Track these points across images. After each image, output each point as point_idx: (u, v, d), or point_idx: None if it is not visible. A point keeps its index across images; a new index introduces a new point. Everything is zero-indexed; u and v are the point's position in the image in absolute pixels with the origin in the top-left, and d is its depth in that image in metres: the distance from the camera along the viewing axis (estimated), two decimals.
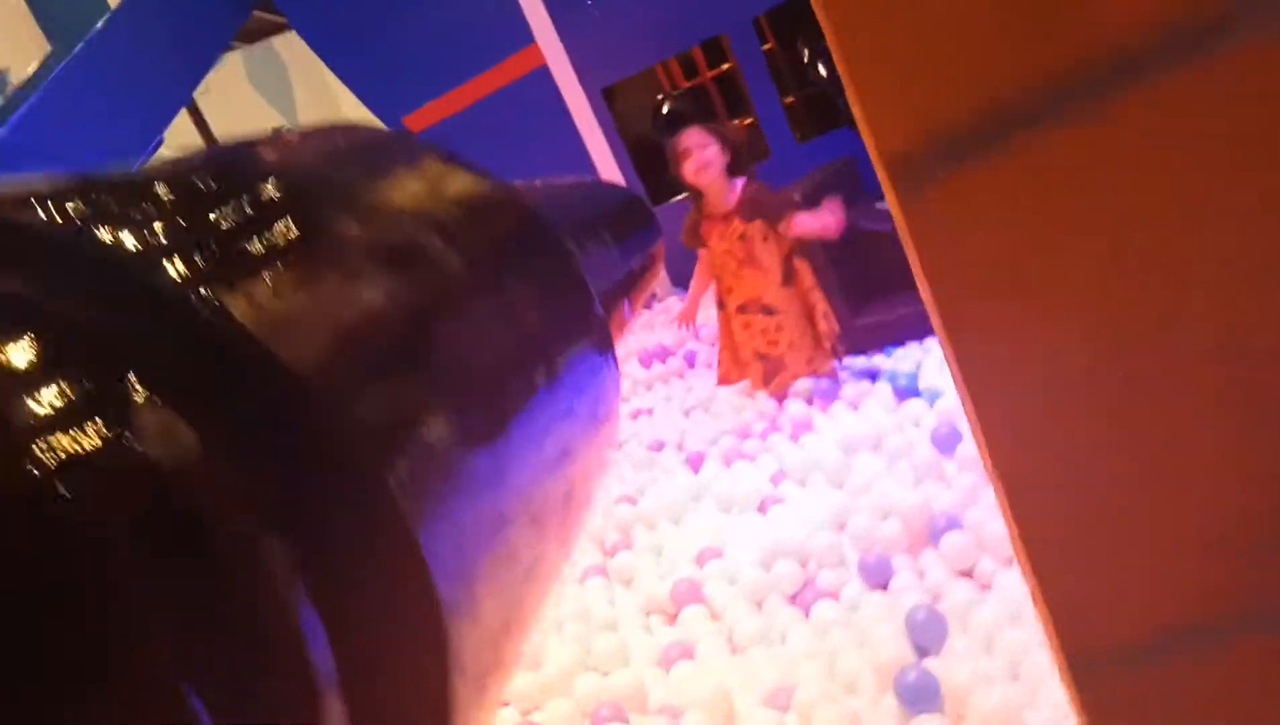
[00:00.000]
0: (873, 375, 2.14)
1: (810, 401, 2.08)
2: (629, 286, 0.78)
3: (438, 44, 3.25)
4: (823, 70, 3.55)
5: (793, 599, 1.49)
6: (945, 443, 1.59)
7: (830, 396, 2.07)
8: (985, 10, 0.22)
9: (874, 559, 1.44)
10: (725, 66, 3.91)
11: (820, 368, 2.13)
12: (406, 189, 0.35)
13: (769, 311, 2.12)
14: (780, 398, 2.13)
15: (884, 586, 1.41)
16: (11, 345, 0.19)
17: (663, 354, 2.88)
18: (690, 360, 2.82)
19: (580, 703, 1.34)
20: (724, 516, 1.79)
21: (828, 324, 2.11)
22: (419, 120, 3.39)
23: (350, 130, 0.42)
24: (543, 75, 2.94)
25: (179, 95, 3.21)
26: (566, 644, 1.48)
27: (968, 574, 1.36)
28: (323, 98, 6.31)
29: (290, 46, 5.35)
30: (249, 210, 0.27)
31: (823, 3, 0.24)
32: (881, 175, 0.25)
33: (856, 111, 0.24)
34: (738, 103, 3.99)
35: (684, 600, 1.55)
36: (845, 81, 0.24)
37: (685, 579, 1.58)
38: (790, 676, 1.28)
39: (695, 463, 2.05)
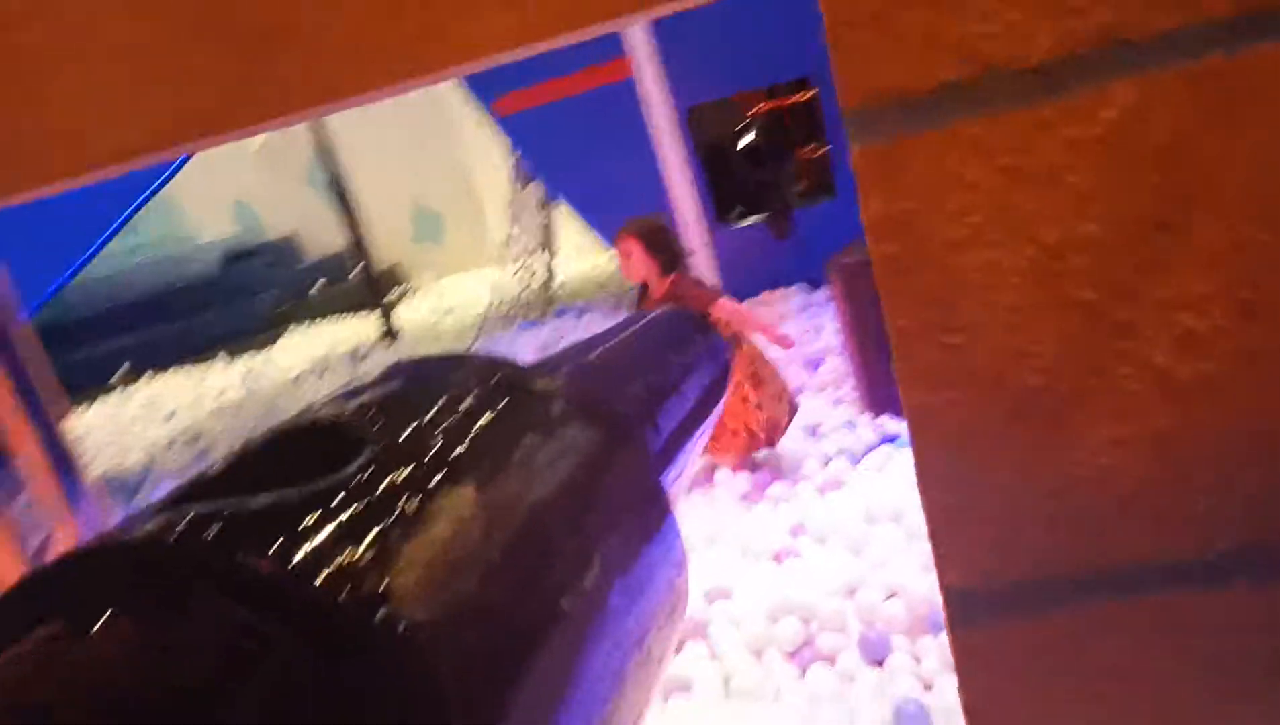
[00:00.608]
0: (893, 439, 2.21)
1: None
2: (713, 395, 0.85)
3: None
4: None
5: (791, 655, 1.57)
6: None
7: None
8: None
9: (875, 636, 1.51)
10: (806, 96, 3.93)
11: (736, 454, 2.21)
12: (531, 464, 0.43)
13: None
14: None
15: (880, 663, 1.49)
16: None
17: None
18: None
19: None
20: (740, 559, 1.88)
21: (761, 414, 2.18)
22: (507, 105, 3.46)
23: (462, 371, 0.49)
24: (630, 87, 3.00)
25: None
26: None
27: None
28: None
29: None
30: (407, 515, 0.35)
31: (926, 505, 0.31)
32: (947, 609, 0.32)
33: (936, 557, 0.32)
34: (814, 130, 4.01)
35: (688, 635, 1.64)
36: (930, 526, 0.32)
37: (692, 617, 1.67)
38: None
39: (723, 497, 2.13)
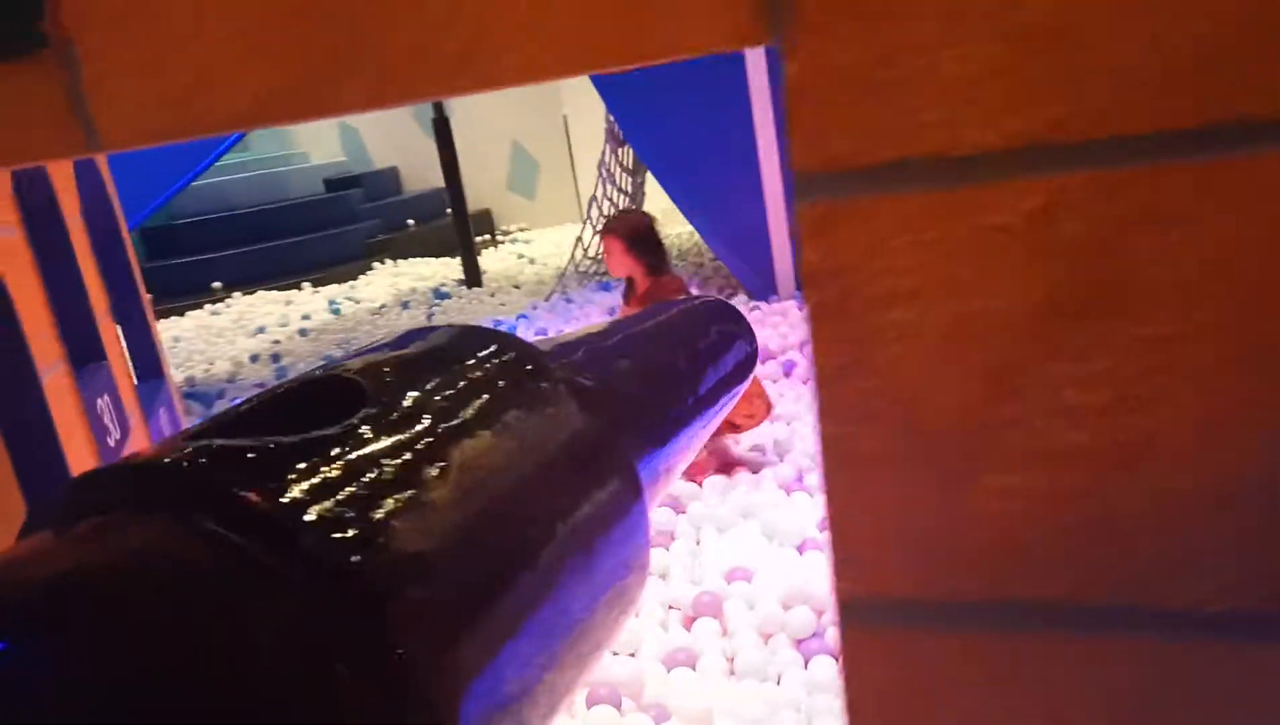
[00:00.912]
0: None
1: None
2: (730, 383, 0.90)
3: None
4: None
5: (799, 644, 1.62)
6: None
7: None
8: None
9: None
10: None
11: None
12: (514, 440, 0.49)
13: None
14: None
15: None
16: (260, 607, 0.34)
17: (764, 356, 2.98)
18: (788, 369, 2.91)
19: None
20: (765, 543, 1.92)
21: None
22: None
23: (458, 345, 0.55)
24: (734, 59, 3.00)
25: None
26: None
27: None
28: None
29: None
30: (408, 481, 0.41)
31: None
32: (839, 614, 0.37)
33: (833, 565, 0.36)
34: None
35: (703, 611, 1.70)
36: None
37: (710, 592, 1.73)
38: (771, 718, 1.42)
39: (768, 482, 2.17)
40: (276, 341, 4.44)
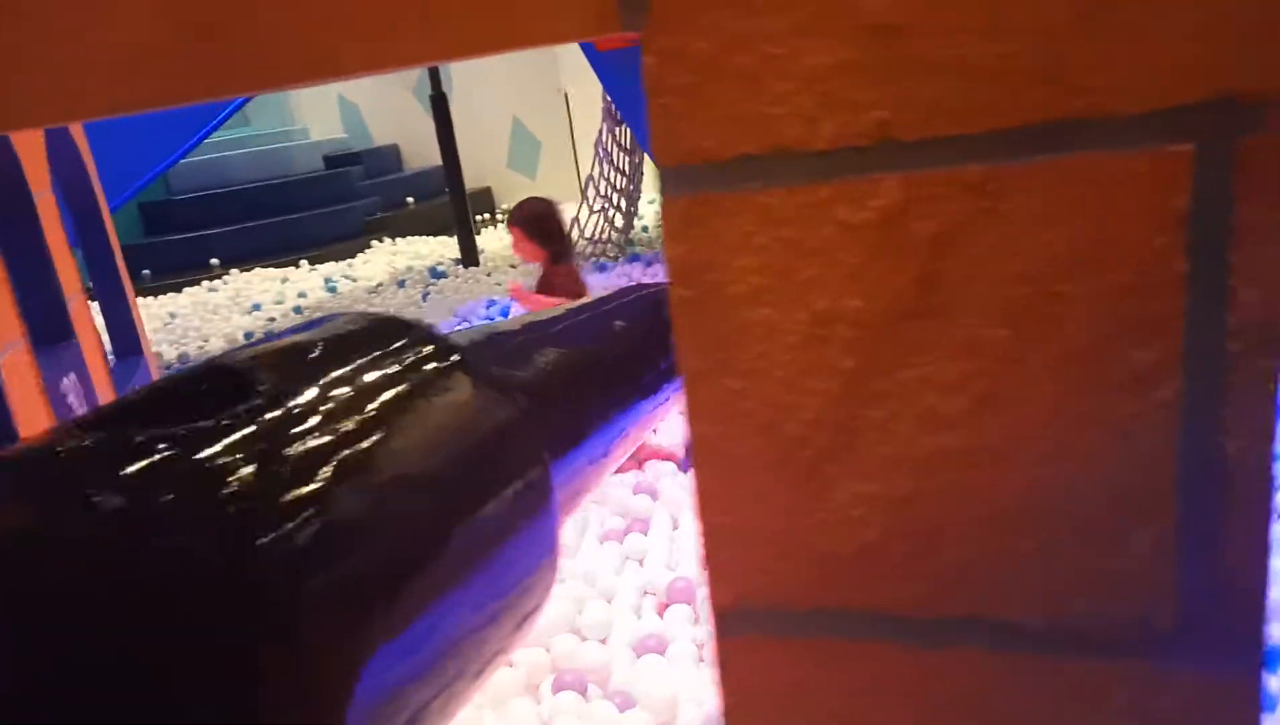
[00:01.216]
0: None
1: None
2: (675, 373, 0.88)
3: None
4: None
5: None
6: None
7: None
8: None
9: None
10: None
11: None
12: (429, 433, 0.48)
13: None
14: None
15: None
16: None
17: None
18: None
19: (554, 659, 1.52)
20: None
21: None
22: (608, 40, 3.46)
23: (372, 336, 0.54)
24: None
25: None
26: (562, 600, 1.66)
27: None
28: None
29: None
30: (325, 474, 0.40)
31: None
32: (713, 620, 0.36)
33: (708, 574, 0.36)
34: None
35: (676, 598, 1.69)
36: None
37: (685, 578, 1.73)
38: None
39: None
40: (272, 319, 4.44)
